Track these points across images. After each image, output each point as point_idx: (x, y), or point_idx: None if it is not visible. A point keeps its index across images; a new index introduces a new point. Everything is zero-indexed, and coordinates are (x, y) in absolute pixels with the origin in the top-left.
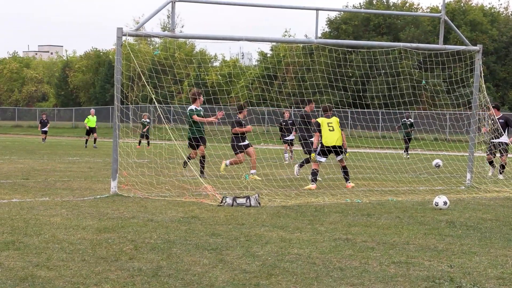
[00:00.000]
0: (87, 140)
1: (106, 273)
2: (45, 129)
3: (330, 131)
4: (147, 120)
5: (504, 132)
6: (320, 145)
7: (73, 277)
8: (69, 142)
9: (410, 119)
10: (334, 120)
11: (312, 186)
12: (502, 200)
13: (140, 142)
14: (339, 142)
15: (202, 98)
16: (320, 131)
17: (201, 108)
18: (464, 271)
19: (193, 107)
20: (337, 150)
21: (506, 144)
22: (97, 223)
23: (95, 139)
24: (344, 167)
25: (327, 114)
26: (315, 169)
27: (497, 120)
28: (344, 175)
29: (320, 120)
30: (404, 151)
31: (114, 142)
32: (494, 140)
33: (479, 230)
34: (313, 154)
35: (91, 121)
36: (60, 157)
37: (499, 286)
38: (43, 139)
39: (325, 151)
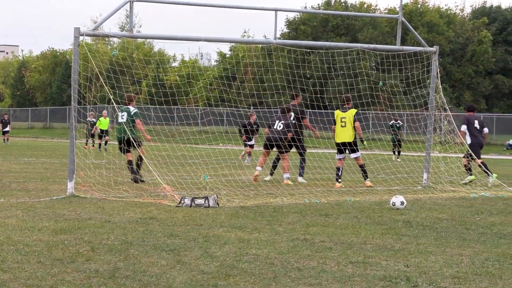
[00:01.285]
0: (100, 144)
1: (62, 275)
2: (7, 129)
3: (342, 127)
4: (93, 119)
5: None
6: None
7: (29, 279)
8: (25, 143)
9: (399, 122)
10: (349, 115)
11: (338, 184)
12: (457, 200)
13: (87, 142)
14: (349, 139)
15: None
16: (335, 125)
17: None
18: (420, 270)
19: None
20: (348, 148)
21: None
22: (53, 224)
23: (106, 142)
24: (361, 166)
25: (345, 107)
26: (339, 166)
27: (453, 122)
28: (362, 174)
29: (336, 113)
30: (394, 153)
31: (71, 142)
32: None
33: (435, 229)
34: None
35: (103, 123)
36: (16, 158)
37: (454, 285)
38: (4, 140)
39: (339, 149)
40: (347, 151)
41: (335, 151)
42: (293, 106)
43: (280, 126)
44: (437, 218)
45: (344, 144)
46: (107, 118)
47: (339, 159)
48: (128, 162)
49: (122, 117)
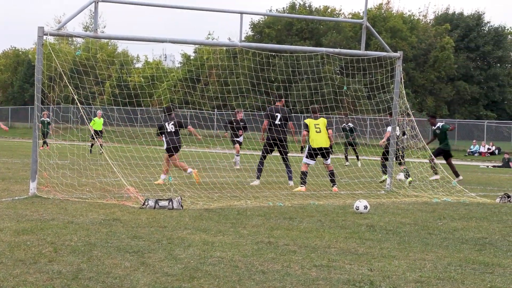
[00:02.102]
0: (92, 145)
1: (25, 275)
2: None
3: (317, 132)
4: (47, 119)
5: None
6: (307, 147)
7: None
8: None
9: (350, 124)
10: (322, 122)
11: (302, 188)
12: (420, 204)
13: (44, 143)
14: (325, 144)
15: None
16: (307, 132)
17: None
18: (383, 274)
19: None
20: (323, 153)
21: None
22: (15, 225)
23: (92, 144)
24: (331, 171)
25: (316, 116)
26: (305, 171)
27: (416, 127)
28: (330, 178)
29: (307, 121)
30: (345, 158)
31: (33, 142)
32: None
33: (398, 234)
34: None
35: (97, 123)
36: None
37: None
38: None
39: (313, 154)
40: (319, 156)
41: (294, 154)
42: (280, 107)
43: (172, 128)
44: (400, 223)
45: (320, 149)
46: (102, 119)
47: (307, 164)
48: None
49: None
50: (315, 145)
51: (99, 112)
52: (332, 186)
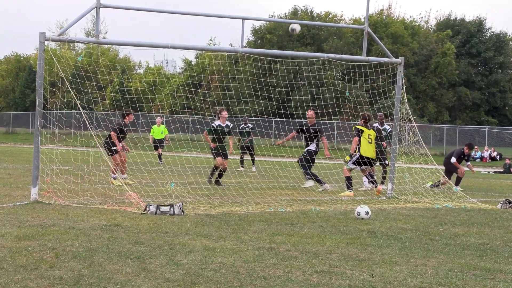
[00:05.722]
0: (159, 155)
1: (26, 281)
2: None
3: (369, 143)
4: None
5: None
6: (357, 154)
7: None
8: None
9: (248, 125)
10: (373, 133)
11: (350, 193)
12: (421, 210)
13: None
14: (374, 155)
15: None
16: (359, 139)
17: None
18: (385, 280)
19: None
20: (371, 162)
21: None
22: (17, 230)
23: (159, 156)
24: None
25: (367, 125)
26: (349, 176)
27: (417, 132)
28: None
29: (363, 128)
30: (241, 163)
31: (35, 148)
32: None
33: (399, 239)
34: (347, 157)
35: (156, 131)
36: None
37: None
38: None
39: (360, 162)
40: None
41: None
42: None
43: None
44: (402, 229)
45: (368, 158)
46: (162, 126)
47: (351, 169)
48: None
49: None
50: (367, 154)
51: (159, 119)
52: (379, 184)
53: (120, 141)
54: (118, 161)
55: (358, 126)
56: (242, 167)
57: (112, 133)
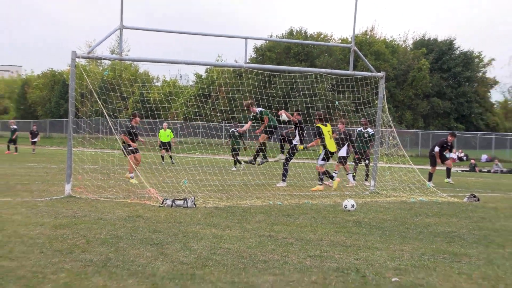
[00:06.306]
0: (162, 157)
1: (62, 263)
2: (35, 140)
3: (330, 139)
4: (14, 126)
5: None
6: (324, 151)
7: (33, 267)
8: (28, 150)
9: (238, 129)
10: (330, 128)
11: (320, 186)
12: (399, 203)
13: (8, 147)
14: (335, 149)
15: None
16: (322, 137)
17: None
18: (368, 263)
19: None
20: (329, 157)
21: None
22: (53, 220)
23: (162, 156)
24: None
25: (324, 122)
26: (324, 170)
27: (396, 137)
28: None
29: (321, 126)
30: (234, 164)
31: (68, 150)
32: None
33: (380, 228)
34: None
35: (162, 135)
36: (20, 164)
37: (396, 275)
38: (33, 149)
39: (329, 157)
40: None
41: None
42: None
43: None
44: (382, 219)
45: (332, 153)
46: (168, 130)
47: (322, 165)
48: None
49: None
50: (332, 149)
51: (165, 124)
52: (332, 179)
53: (133, 142)
54: (134, 161)
55: (318, 125)
56: (235, 167)
57: (123, 136)
